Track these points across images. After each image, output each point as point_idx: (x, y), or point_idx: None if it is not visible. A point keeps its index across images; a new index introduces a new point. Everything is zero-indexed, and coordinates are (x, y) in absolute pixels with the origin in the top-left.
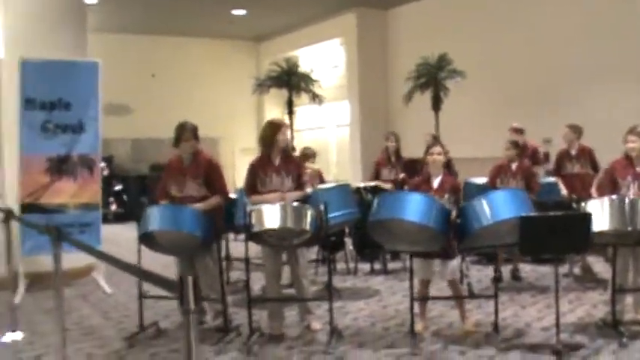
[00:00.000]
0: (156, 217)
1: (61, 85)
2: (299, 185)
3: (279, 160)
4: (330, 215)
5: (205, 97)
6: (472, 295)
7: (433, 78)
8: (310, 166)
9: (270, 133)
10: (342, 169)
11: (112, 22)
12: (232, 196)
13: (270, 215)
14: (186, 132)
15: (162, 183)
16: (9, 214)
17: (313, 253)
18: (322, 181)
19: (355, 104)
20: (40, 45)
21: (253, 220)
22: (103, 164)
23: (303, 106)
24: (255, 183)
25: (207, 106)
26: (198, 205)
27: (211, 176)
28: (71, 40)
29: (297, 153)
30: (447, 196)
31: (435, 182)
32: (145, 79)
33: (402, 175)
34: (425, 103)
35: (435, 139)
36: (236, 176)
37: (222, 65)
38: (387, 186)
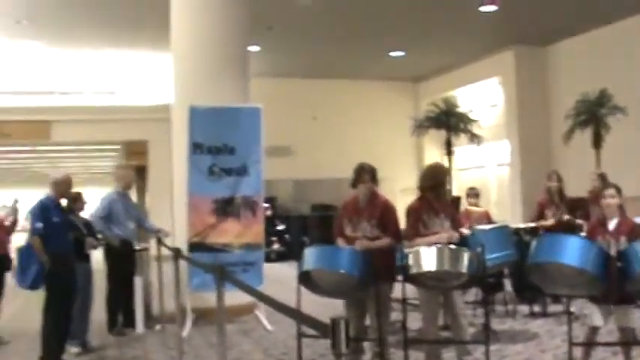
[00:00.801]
0: (313, 257)
1: (226, 131)
2: (455, 226)
3: (437, 202)
4: (488, 257)
5: (364, 138)
6: (636, 342)
7: (593, 115)
8: (476, 210)
9: (433, 177)
10: (502, 209)
11: (273, 67)
12: None
13: (428, 257)
14: (364, 174)
15: (339, 222)
16: (178, 253)
17: (471, 294)
18: (490, 221)
19: (515, 143)
20: (207, 91)
21: (411, 262)
22: (266, 205)
23: (462, 147)
24: (419, 226)
25: (367, 147)
26: (366, 243)
27: (386, 218)
28: (235, 86)
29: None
30: (623, 238)
31: (611, 224)
32: (305, 121)
33: (566, 217)
34: (585, 141)
35: (603, 179)
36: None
37: (381, 106)
38: (549, 222)
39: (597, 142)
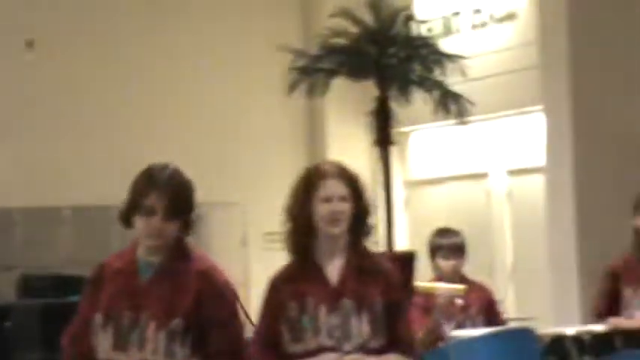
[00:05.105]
0: None
1: None
2: (397, 336)
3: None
4: None
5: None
6: None
7: None
8: (453, 289)
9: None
10: (524, 282)
11: None
12: None
13: None
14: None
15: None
16: None
17: None
18: (492, 313)
19: (562, 122)
20: None
21: None
22: None
23: (426, 126)
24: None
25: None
26: None
27: (208, 308)
28: None
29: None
30: None
31: None
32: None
33: None
34: None
35: None
36: None
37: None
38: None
39: None
